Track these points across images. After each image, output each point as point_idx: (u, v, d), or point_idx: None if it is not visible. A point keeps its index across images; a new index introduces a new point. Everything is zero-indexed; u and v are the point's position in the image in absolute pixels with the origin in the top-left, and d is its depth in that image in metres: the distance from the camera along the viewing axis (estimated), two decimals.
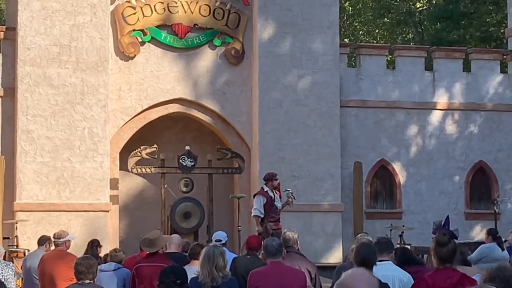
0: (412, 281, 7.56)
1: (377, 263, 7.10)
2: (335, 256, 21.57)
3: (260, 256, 9.56)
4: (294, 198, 16.28)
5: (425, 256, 17.43)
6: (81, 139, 20.69)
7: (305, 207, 21.31)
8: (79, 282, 8.64)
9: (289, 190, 15.99)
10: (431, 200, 23.70)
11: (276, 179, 15.67)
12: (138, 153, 20.59)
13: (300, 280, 8.30)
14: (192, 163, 20.63)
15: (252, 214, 15.61)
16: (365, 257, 6.94)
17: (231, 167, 21.56)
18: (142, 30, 21.78)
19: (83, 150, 20.67)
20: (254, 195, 15.85)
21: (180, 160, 20.54)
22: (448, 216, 18.73)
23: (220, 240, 12.02)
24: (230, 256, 9.49)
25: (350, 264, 8.30)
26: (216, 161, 21.04)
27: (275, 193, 15.57)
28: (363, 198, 22.76)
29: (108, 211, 20.81)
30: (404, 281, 7.68)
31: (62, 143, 20.61)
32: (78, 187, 20.60)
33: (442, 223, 18.32)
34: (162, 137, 22.44)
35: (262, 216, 15.23)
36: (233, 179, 22.61)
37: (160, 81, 21.87)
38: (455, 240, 8.52)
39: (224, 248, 8.57)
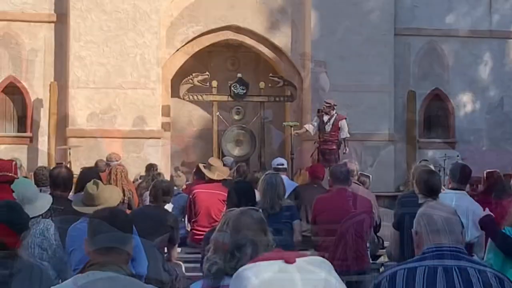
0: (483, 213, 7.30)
1: (453, 191, 6.98)
2: (387, 186, 21.40)
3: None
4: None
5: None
6: (133, 65, 20.62)
7: (357, 136, 21.08)
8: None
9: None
10: (485, 130, 23.35)
11: (328, 105, 17.84)
12: (190, 80, 20.46)
13: (367, 207, 8.23)
14: (244, 91, 20.46)
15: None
16: (432, 186, 6.82)
17: (283, 95, 21.38)
18: None
19: (135, 77, 20.61)
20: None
21: (232, 88, 20.39)
22: None
23: (283, 164, 12.08)
24: (288, 184, 9.43)
25: (412, 193, 8.18)
26: (268, 89, 20.88)
27: (332, 117, 17.78)
28: (416, 127, 22.50)
29: (160, 138, 20.84)
30: (478, 213, 7.46)
31: (114, 70, 20.57)
32: (130, 113, 20.62)
33: None
34: (214, 65, 22.30)
35: (309, 129, 17.97)
36: (285, 107, 22.47)
37: (212, 7, 21.62)
38: None
39: (284, 176, 8.53)
